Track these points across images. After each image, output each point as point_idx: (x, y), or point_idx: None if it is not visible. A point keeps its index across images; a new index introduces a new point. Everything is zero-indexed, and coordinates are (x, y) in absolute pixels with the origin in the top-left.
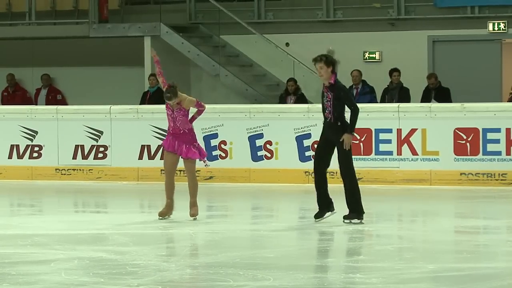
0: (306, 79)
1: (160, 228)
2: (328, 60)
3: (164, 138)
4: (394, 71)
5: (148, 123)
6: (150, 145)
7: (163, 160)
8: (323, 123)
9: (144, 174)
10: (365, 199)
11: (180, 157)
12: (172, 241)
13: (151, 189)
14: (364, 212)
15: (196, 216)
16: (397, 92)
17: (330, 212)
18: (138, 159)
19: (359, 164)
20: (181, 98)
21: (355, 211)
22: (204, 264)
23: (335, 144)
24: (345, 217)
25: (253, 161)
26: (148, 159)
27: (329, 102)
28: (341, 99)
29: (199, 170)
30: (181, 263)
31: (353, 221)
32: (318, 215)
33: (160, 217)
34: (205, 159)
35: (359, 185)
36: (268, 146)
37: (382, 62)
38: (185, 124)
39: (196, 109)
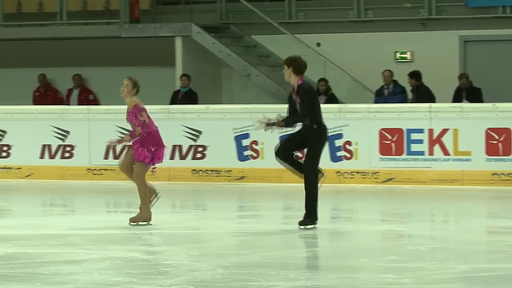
0: (337, 79)
1: (191, 228)
2: (290, 61)
3: (194, 138)
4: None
5: (180, 123)
6: (181, 145)
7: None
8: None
9: (175, 174)
10: (397, 199)
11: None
12: (204, 241)
13: (182, 189)
14: (317, 218)
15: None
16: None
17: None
18: (170, 159)
19: (391, 164)
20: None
21: (310, 216)
22: (236, 264)
23: (305, 145)
24: (300, 223)
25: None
26: (180, 159)
27: (299, 106)
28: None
29: (230, 170)
30: (212, 263)
31: (307, 226)
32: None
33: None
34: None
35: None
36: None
37: (414, 62)
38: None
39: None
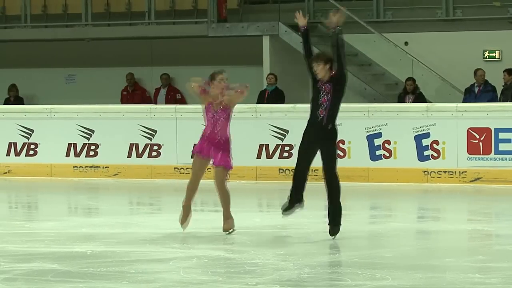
0: (425, 78)
1: (278, 227)
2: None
3: (281, 137)
4: (504, 71)
5: (267, 122)
6: (268, 144)
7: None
8: (309, 121)
9: (262, 173)
10: (484, 199)
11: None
12: (290, 241)
13: (269, 188)
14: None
15: (230, 230)
16: (509, 91)
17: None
18: (256, 158)
19: (478, 163)
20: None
21: (339, 223)
22: (322, 263)
23: (318, 148)
24: (333, 233)
25: (372, 160)
26: (266, 158)
27: (327, 96)
28: (342, 85)
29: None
30: (299, 262)
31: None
32: (288, 208)
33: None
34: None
35: None
36: (386, 145)
37: (502, 61)
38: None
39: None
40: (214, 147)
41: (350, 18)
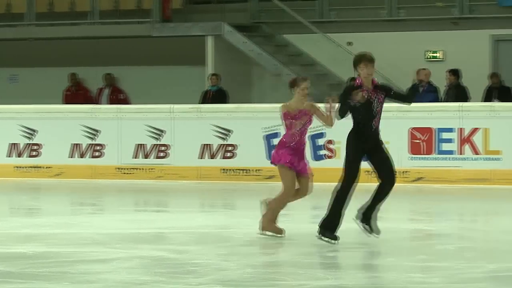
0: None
1: (220, 227)
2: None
3: (224, 137)
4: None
5: (210, 122)
6: (211, 144)
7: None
8: (361, 133)
9: (205, 174)
10: (426, 199)
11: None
12: (232, 241)
13: (212, 188)
14: None
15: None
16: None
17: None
18: (199, 158)
19: (420, 163)
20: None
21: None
22: (264, 263)
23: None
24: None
25: (314, 160)
26: (209, 158)
27: (380, 106)
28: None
29: (260, 170)
30: (241, 262)
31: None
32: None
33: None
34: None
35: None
36: (329, 145)
37: (445, 61)
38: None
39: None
40: (299, 156)
41: (294, 18)
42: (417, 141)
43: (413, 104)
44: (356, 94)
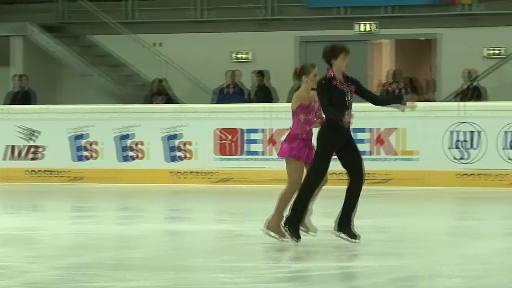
0: (177, 79)
1: (27, 229)
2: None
3: (31, 138)
4: (253, 73)
5: (16, 123)
6: (17, 146)
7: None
8: (338, 128)
9: (11, 175)
10: (233, 199)
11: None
12: (40, 242)
13: (19, 190)
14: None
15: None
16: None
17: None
18: (3, 159)
19: (227, 164)
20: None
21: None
22: (71, 265)
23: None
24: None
25: (122, 161)
26: (15, 159)
27: (351, 98)
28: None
29: (69, 171)
30: (46, 264)
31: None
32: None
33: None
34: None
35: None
36: (137, 146)
37: (254, 62)
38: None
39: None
40: (309, 146)
41: (101, 18)
42: (224, 142)
43: (220, 105)
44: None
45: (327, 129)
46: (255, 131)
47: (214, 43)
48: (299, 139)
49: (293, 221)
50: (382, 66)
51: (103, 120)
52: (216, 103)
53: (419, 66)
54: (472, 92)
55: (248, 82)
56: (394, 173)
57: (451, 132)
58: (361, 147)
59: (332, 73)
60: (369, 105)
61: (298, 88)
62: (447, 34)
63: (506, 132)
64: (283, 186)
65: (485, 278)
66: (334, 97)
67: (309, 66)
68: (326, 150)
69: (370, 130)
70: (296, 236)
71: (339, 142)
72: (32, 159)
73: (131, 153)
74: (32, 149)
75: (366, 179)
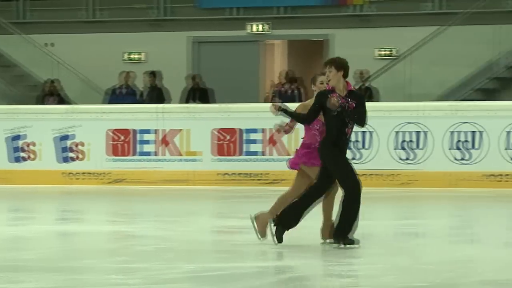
0: (69, 80)
1: None
2: (338, 63)
3: None
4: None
5: None
6: None
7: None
8: (340, 144)
9: None
10: (126, 200)
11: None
12: None
13: None
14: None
15: None
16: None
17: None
18: None
19: (121, 165)
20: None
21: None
22: None
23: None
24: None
25: (14, 162)
26: None
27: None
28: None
29: None
30: None
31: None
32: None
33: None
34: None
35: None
36: (29, 147)
37: (147, 62)
38: None
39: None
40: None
41: None
42: (118, 142)
43: (112, 106)
44: (330, 101)
45: (326, 144)
46: (147, 131)
47: (107, 44)
48: (312, 148)
49: (284, 223)
50: (275, 67)
51: None
52: (108, 103)
53: (311, 67)
54: (364, 92)
55: (140, 82)
56: (287, 173)
57: None
58: (253, 147)
59: (329, 87)
60: (260, 105)
61: (191, 88)
62: (339, 34)
63: (397, 132)
64: (176, 187)
65: (378, 278)
66: (327, 110)
67: (317, 75)
68: (337, 158)
69: (263, 130)
70: (278, 238)
71: (342, 151)
72: None
73: (22, 154)
74: None
75: (258, 180)
